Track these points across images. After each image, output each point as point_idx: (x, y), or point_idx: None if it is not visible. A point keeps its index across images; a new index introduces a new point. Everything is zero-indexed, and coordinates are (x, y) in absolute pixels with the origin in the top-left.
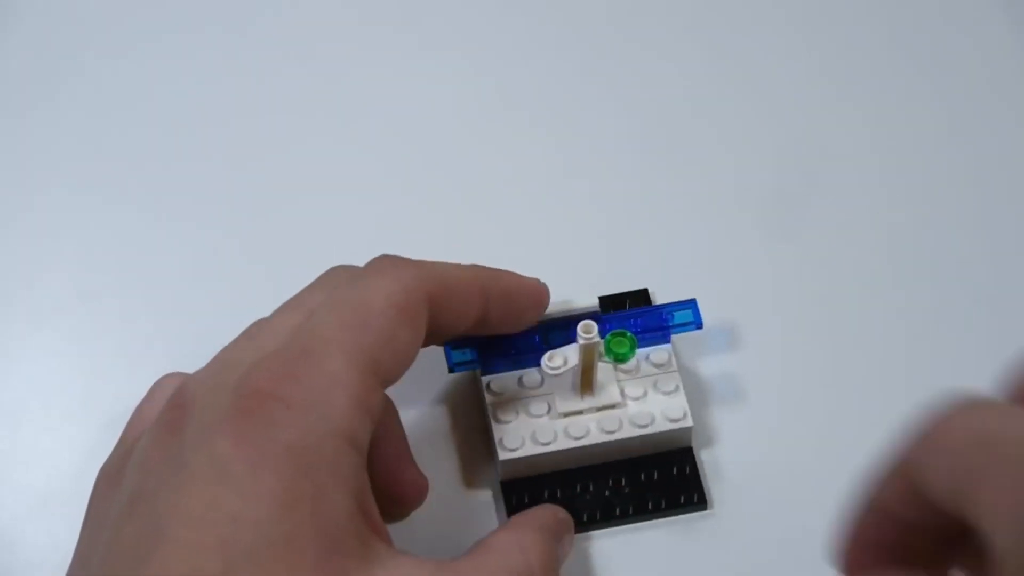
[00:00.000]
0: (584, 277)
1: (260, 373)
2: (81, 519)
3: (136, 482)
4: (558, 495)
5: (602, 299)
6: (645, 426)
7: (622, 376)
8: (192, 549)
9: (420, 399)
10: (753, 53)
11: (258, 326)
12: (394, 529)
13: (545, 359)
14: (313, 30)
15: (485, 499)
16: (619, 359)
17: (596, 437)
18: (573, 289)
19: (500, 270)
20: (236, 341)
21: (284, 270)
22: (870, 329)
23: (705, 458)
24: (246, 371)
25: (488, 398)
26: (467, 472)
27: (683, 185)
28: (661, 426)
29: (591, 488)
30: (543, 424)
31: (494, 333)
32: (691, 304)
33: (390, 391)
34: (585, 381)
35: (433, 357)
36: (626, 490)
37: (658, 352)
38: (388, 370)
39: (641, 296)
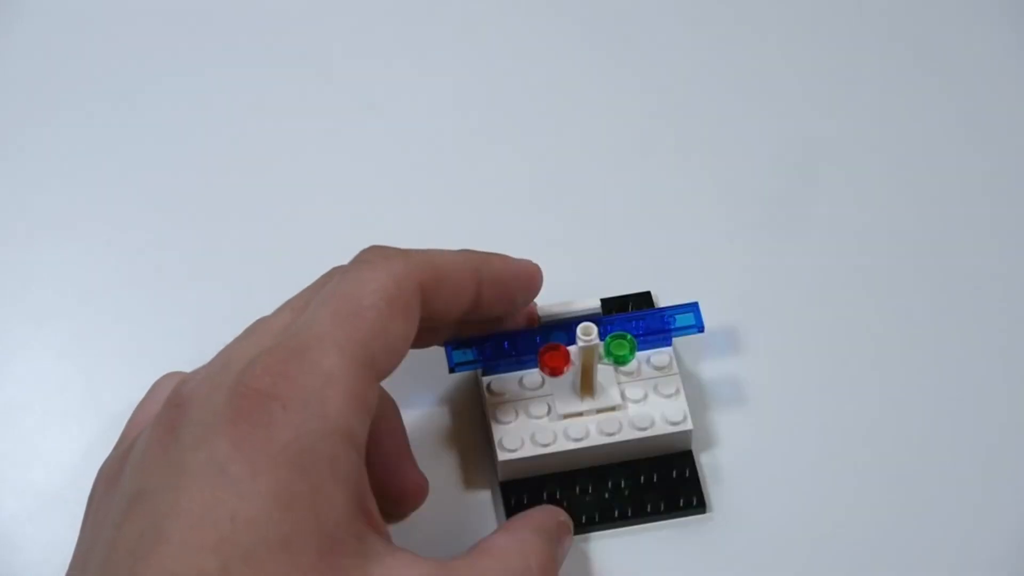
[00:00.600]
0: (587, 279)
1: (255, 372)
2: (81, 519)
3: (135, 482)
4: (557, 496)
5: (604, 301)
6: (645, 429)
7: (622, 378)
8: (191, 549)
9: (421, 400)
10: (755, 54)
11: (257, 325)
12: (393, 529)
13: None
14: (312, 30)
15: (484, 499)
16: (619, 361)
17: (596, 439)
18: (575, 290)
19: (491, 253)
20: (235, 340)
21: (284, 270)
22: (871, 333)
23: (705, 461)
24: (242, 370)
25: (488, 399)
26: (467, 472)
27: (686, 187)
28: (661, 429)
29: (590, 490)
30: (543, 425)
31: (489, 317)
32: (693, 307)
33: (393, 392)
34: (585, 383)
35: (434, 358)
36: (625, 492)
37: (659, 355)
38: (382, 363)
39: (643, 298)
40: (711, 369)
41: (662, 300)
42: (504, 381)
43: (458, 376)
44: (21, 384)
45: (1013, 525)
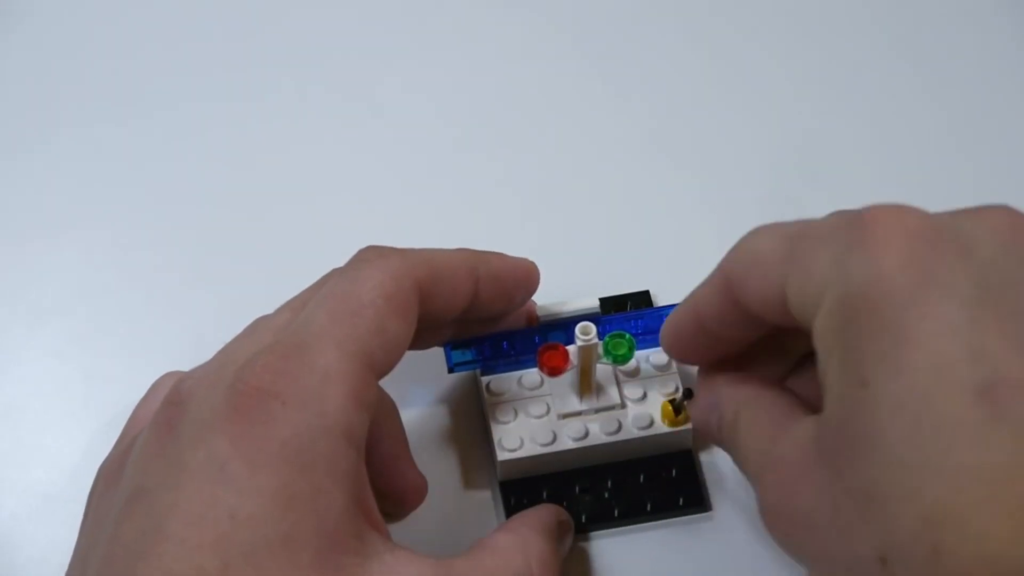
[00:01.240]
0: (586, 278)
1: (254, 370)
2: (81, 518)
3: (134, 480)
4: (557, 496)
5: (603, 300)
6: (645, 428)
7: (622, 378)
8: (190, 547)
9: (420, 399)
10: (754, 54)
11: (257, 324)
12: (392, 529)
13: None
14: (311, 30)
15: (484, 499)
16: (618, 361)
17: (596, 438)
18: (574, 290)
19: (488, 252)
20: (235, 339)
21: (284, 270)
22: None
23: (705, 460)
24: (241, 368)
25: (487, 398)
26: (466, 472)
27: (685, 186)
28: (661, 428)
29: (590, 490)
30: (542, 425)
31: (487, 316)
32: None
33: (391, 392)
34: (584, 382)
35: (432, 358)
36: (625, 492)
37: (658, 354)
38: (381, 361)
39: (642, 297)
40: None
41: (661, 299)
42: (503, 381)
43: (457, 376)
44: (21, 384)
45: None
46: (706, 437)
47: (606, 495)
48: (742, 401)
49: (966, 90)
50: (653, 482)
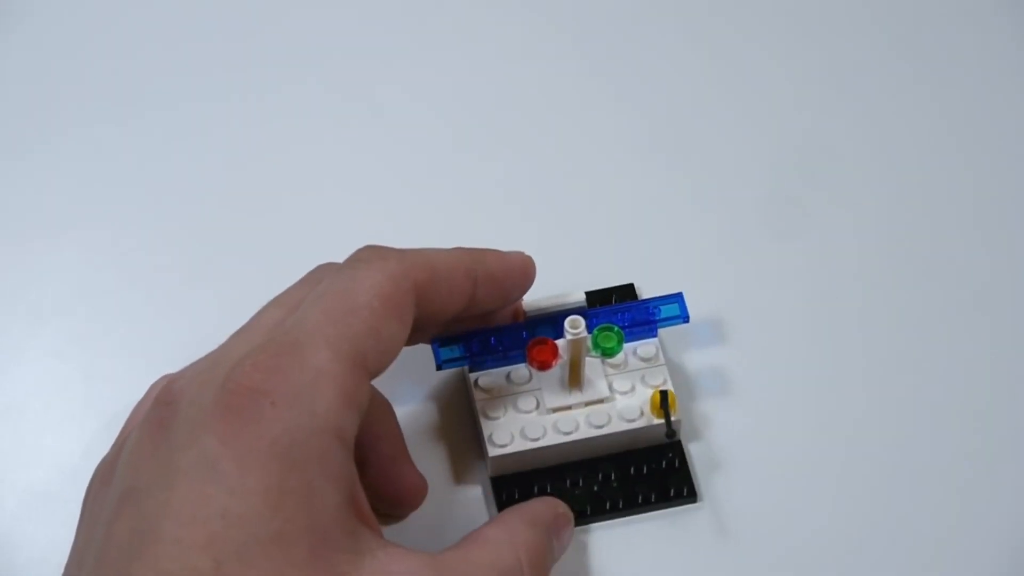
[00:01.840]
0: (572, 272)
1: (245, 369)
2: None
3: (126, 480)
4: (548, 490)
5: (589, 294)
6: (634, 420)
7: (610, 371)
8: (183, 547)
9: (409, 396)
10: (754, 54)
11: (248, 323)
12: (386, 525)
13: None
14: (311, 30)
15: (475, 495)
16: (607, 354)
17: (585, 432)
18: (560, 284)
19: (484, 250)
20: (229, 339)
21: (284, 270)
22: (855, 321)
23: (694, 451)
24: (232, 367)
25: (476, 395)
26: (457, 468)
27: (685, 186)
28: (650, 420)
29: (581, 483)
30: (532, 420)
31: (481, 312)
32: (677, 298)
33: (380, 388)
34: (573, 376)
35: (420, 354)
36: (616, 484)
37: (645, 346)
38: (374, 361)
39: (627, 291)
40: (697, 359)
41: (645, 292)
42: (492, 377)
43: (445, 372)
44: (21, 384)
45: (1002, 509)
46: None
47: (597, 488)
48: None
49: (966, 90)
50: (643, 474)
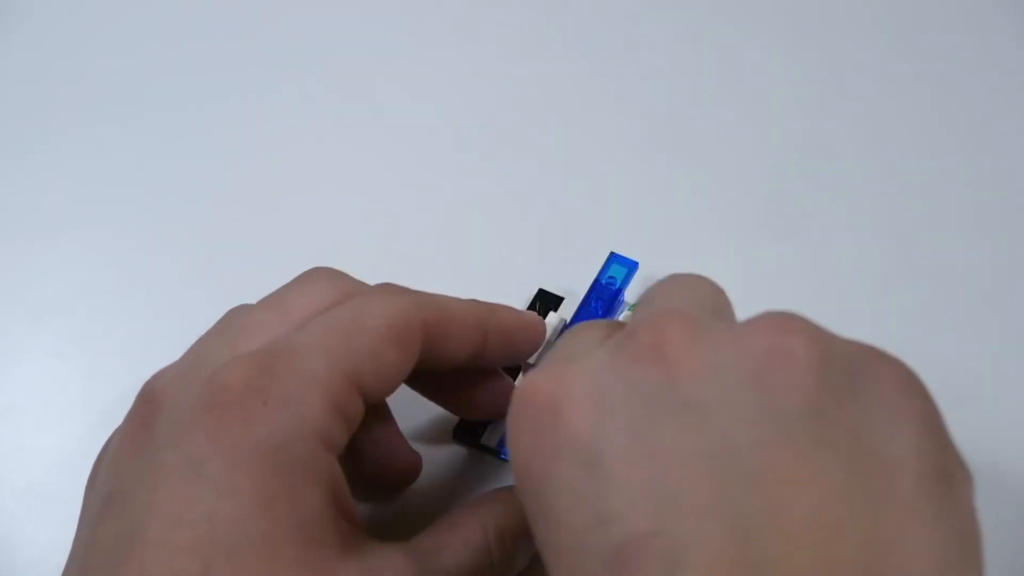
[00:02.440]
0: (571, 272)
1: (235, 370)
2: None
3: (109, 482)
4: None
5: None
6: None
7: None
8: (169, 550)
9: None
10: (754, 54)
11: (231, 321)
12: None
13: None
14: (311, 30)
15: None
16: None
17: None
18: (560, 284)
19: (498, 305)
20: (208, 334)
21: (284, 270)
22: (856, 321)
23: None
24: (221, 367)
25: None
26: None
27: (686, 186)
28: None
29: None
30: None
31: (490, 367)
32: (613, 259)
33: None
34: None
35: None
36: None
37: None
38: (369, 384)
39: (552, 299)
40: None
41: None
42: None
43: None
44: (21, 384)
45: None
46: None
47: None
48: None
49: (966, 90)
50: None
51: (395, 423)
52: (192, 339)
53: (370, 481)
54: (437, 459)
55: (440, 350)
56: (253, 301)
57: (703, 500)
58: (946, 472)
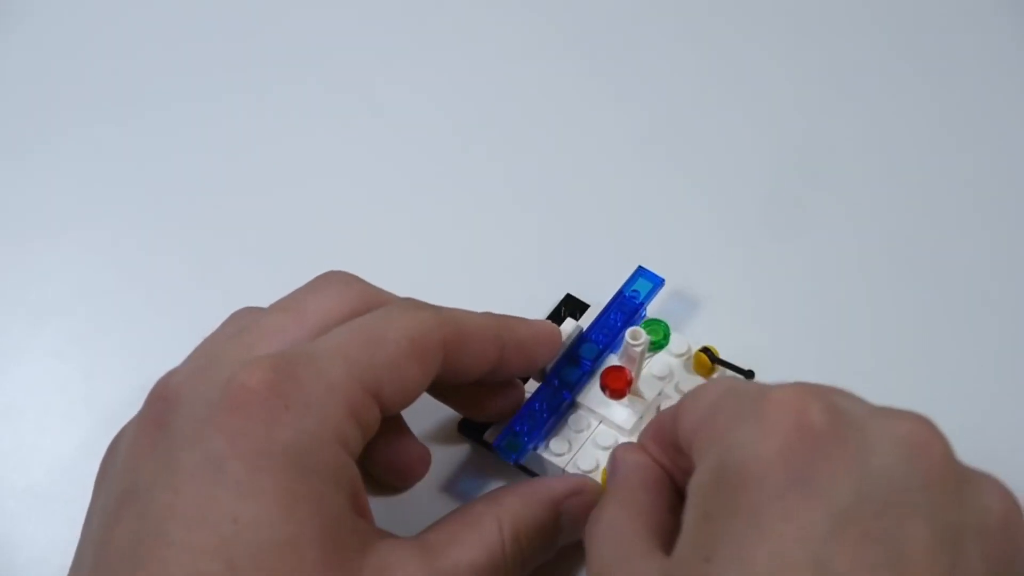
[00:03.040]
0: (573, 273)
1: (255, 371)
2: (82, 519)
3: (124, 480)
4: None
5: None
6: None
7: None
8: (192, 551)
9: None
10: (755, 54)
11: (244, 321)
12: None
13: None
14: (311, 30)
15: None
16: (656, 347)
17: None
18: (561, 284)
19: (513, 318)
20: (220, 334)
21: (284, 270)
22: (856, 320)
23: None
24: (239, 368)
25: (557, 462)
26: None
27: (686, 186)
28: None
29: None
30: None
31: (507, 378)
32: (640, 273)
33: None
34: (634, 387)
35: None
36: None
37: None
38: (389, 396)
39: (577, 305)
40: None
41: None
42: (558, 442)
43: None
44: (21, 384)
45: None
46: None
47: None
48: (623, 497)
49: (966, 90)
50: None
51: (402, 417)
52: (192, 338)
53: (381, 478)
54: (439, 452)
55: (459, 365)
56: (254, 301)
57: None
58: None
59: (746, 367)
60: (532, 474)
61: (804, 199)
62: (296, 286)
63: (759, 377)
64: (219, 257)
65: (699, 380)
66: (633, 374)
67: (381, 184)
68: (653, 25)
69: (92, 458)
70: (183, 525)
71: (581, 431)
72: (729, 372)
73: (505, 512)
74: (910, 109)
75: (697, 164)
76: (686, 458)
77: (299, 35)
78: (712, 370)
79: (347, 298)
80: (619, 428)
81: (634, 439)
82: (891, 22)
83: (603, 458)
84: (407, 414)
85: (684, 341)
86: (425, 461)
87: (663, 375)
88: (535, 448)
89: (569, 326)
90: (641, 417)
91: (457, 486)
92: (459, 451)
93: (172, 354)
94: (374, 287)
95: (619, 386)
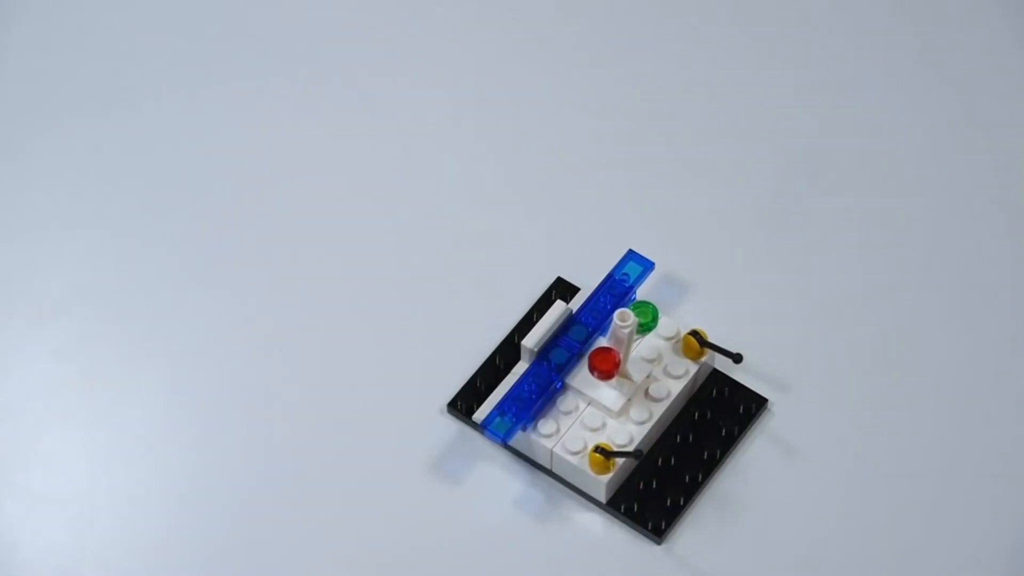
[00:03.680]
0: (574, 268)
1: None
2: (80, 520)
3: None
4: (655, 483)
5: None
6: (684, 373)
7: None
8: None
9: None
10: (757, 56)
11: None
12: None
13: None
14: (311, 31)
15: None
16: (644, 329)
17: (658, 409)
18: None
19: None
20: None
21: (284, 270)
22: (856, 320)
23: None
24: None
25: (545, 443)
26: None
27: (687, 186)
28: (696, 364)
29: (673, 461)
30: (611, 430)
31: None
32: (630, 257)
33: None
34: (623, 369)
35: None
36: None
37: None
38: None
39: (568, 288)
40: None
41: (652, 292)
42: (546, 423)
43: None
44: (21, 385)
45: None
46: None
47: (689, 450)
48: None
49: (967, 91)
50: (717, 410)
51: None
52: (191, 338)
53: None
54: (426, 434)
55: None
56: (253, 300)
57: None
58: None
59: (734, 351)
60: (520, 455)
61: (796, 188)
62: (296, 284)
63: (747, 361)
64: (219, 257)
65: (688, 363)
66: (621, 356)
67: (381, 183)
68: (654, 26)
69: (91, 459)
70: None
71: (569, 412)
72: (718, 355)
73: None
74: (911, 110)
75: (691, 152)
76: None
77: (299, 35)
78: (701, 353)
79: None
80: (607, 409)
81: (621, 420)
82: (892, 24)
83: (591, 439)
84: (397, 388)
85: (673, 324)
86: None
87: (652, 357)
88: (523, 429)
89: (559, 308)
90: (629, 399)
91: (443, 467)
92: (446, 432)
93: (171, 354)
94: None
95: (607, 367)
